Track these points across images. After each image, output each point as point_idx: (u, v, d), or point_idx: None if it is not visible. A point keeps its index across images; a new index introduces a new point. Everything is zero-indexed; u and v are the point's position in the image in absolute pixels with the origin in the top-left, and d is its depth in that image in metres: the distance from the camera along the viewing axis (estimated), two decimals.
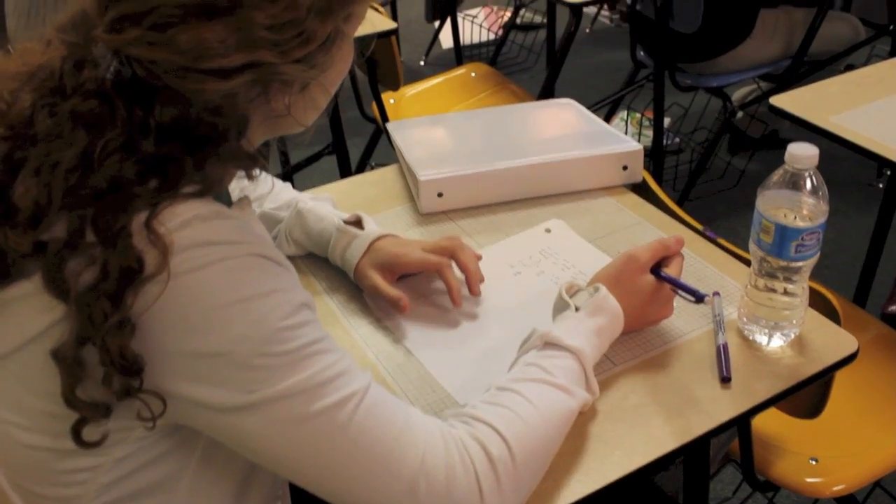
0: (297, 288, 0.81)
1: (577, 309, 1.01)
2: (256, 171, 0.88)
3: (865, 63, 3.42)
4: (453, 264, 1.18)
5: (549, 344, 0.96)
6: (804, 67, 2.85)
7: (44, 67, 0.79)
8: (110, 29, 0.75)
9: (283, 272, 0.80)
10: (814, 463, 1.43)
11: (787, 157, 0.99)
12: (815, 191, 1.00)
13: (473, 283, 1.16)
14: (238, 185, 1.16)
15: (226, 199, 0.91)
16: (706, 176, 3.10)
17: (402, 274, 1.19)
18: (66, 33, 0.80)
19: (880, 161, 1.55)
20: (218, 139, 0.79)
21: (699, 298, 1.05)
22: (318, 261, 1.26)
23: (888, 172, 2.55)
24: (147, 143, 0.76)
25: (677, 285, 1.07)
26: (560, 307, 1.03)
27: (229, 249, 0.76)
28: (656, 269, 1.07)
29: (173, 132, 0.76)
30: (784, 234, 1.00)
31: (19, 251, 0.75)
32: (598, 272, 1.08)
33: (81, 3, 0.79)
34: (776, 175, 1.01)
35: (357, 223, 1.23)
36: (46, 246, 0.74)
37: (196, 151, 0.78)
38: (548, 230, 1.33)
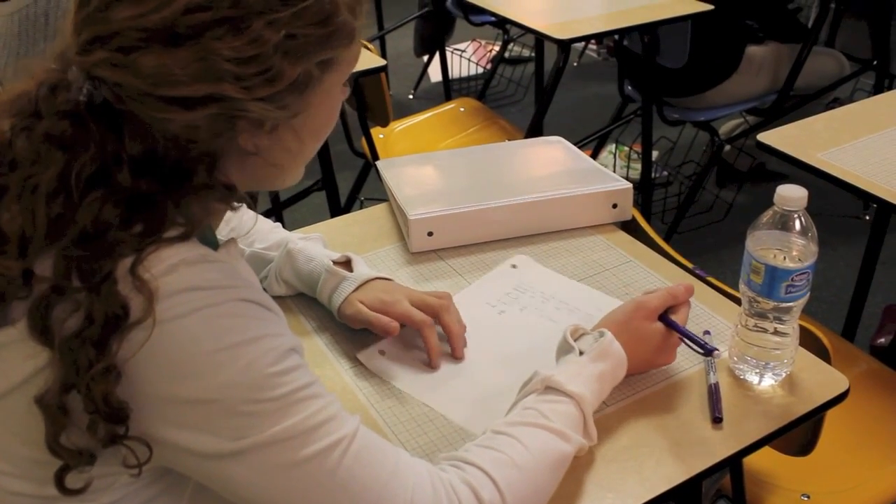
0: (285, 332, 0.81)
1: (580, 353, 1.00)
2: (236, 204, 0.87)
3: (850, 96, 3.47)
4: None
5: (550, 388, 0.95)
6: (790, 102, 2.88)
7: (24, 94, 0.80)
8: (81, 50, 0.76)
9: (271, 317, 0.80)
10: (806, 499, 1.42)
11: (776, 198, 1.00)
12: (804, 231, 1.01)
13: (456, 346, 1.14)
14: (226, 228, 1.17)
15: (213, 242, 0.91)
16: (694, 209, 3.12)
17: None
18: (48, 62, 0.80)
19: (867, 197, 1.56)
20: (189, 173, 0.79)
21: (708, 352, 1.05)
22: (308, 300, 1.25)
23: (874, 206, 2.57)
24: (122, 175, 0.75)
25: (688, 337, 1.07)
26: (564, 350, 1.03)
27: (216, 295, 0.76)
28: (665, 318, 1.07)
29: (145, 164, 0.76)
30: (774, 276, 1.00)
31: (8, 276, 0.74)
32: (605, 316, 1.08)
33: (65, 35, 0.79)
34: (766, 216, 1.02)
35: (347, 263, 1.23)
36: (33, 276, 0.74)
37: (172, 188, 0.77)
38: (514, 266, 1.34)
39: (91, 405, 0.72)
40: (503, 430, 0.91)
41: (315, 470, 0.77)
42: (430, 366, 1.13)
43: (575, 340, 1.03)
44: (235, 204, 0.88)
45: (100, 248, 0.74)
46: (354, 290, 1.17)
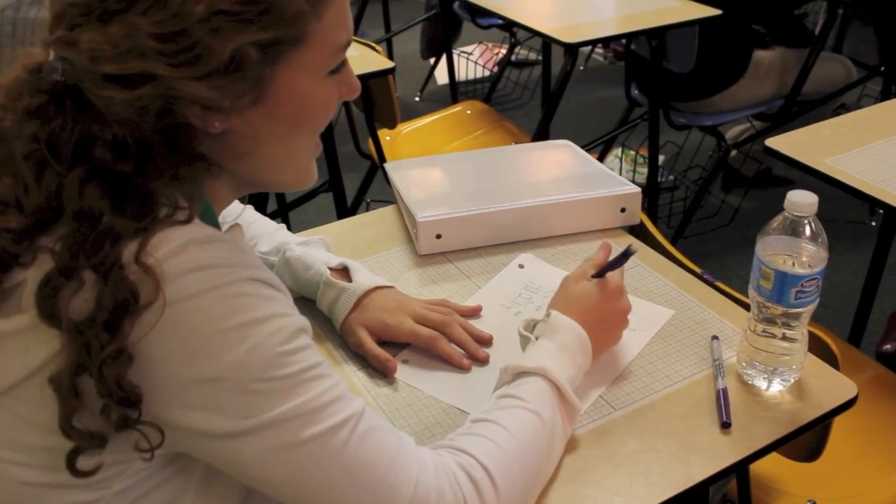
0: (293, 312, 0.81)
1: (537, 339, 1.03)
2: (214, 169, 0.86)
3: (857, 102, 3.46)
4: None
5: (517, 374, 0.98)
6: (797, 107, 2.88)
7: (14, 79, 0.81)
8: (49, 30, 0.77)
9: (279, 296, 0.81)
10: None
11: (786, 204, 1.00)
12: (814, 237, 1.01)
13: (474, 353, 1.15)
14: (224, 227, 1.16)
15: (217, 227, 0.91)
16: (700, 213, 3.12)
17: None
18: (37, 47, 0.82)
19: (875, 203, 1.56)
20: (153, 153, 0.78)
21: (626, 254, 1.09)
22: (314, 304, 1.24)
23: (881, 211, 2.57)
24: (99, 151, 0.76)
25: (611, 265, 1.11)
26: (524, 344, 1.06)
27: (226, 273, 0.76)
28: (593, 275, 1.11)
29: (117, 144, 0.76)
30: (784, 281, 1.00)
31: (12, 231, 0.76)
32: (549, 303, 1.11)
33: None
34: (776, 221, 1.02)
35: (345, 271, 1.22)
36: (35, 239, 0.75)
37: (146, 168, 0.77)
38: (521, 266, 1.35)
39: (104, 389, 0.73)
40: (481, 416, 0.93)
41: (322, 449, 0.78)
42: (460, 368, 1.13)
43: (530, 331, 1.06)
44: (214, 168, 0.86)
45: (99, 232, 0.74)
46: (354, 309, 1.17)
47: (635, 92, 3.06)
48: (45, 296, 0.74)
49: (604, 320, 1.08)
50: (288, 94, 0.83)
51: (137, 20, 0.73)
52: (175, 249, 0.75)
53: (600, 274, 1.10)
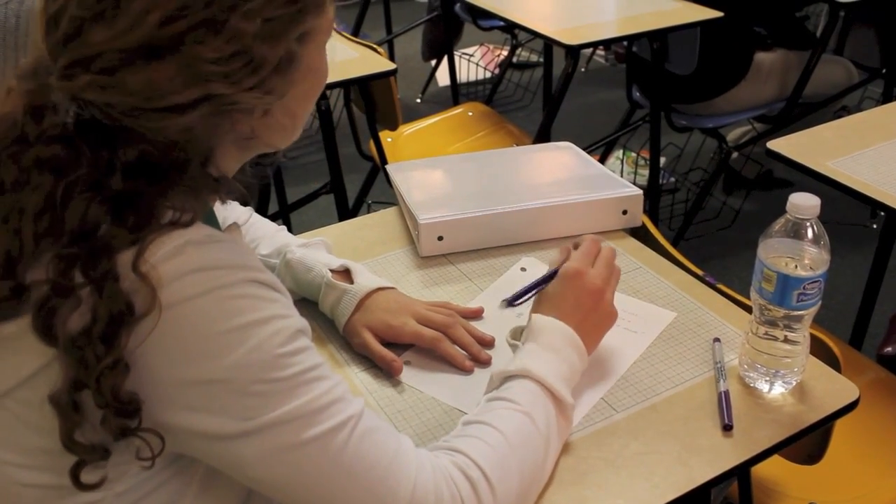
0: (293, 314, 0.82)
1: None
2: (226, 193, 0.88)
3: (858, 104, 3.46)
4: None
5: (503, 379, 0.99)
6: (798, 109, 2.88)
7: (5, 118, 0.79)
8: (62, 76, 0.75)
9: (279, 297, 0.81)
10: None
11: (788, 206, 1.00)
12: (816, 240, 1.01)
13: (476, 354, 1.14)
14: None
15: (216, 226, 0.92)
16: (701, 215, 3.12)
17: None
18: (26, 81, 0.79)
19: (877, 205, 1.56)
20: (181, 169, 0.79)
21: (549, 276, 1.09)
22: (316, 306, 1.24)
23: (882, 214, 2.57)
24: (115, 180, 0.75)
25: (526, 289, 1.14)
26: (514, 351, 1.06)
27: (225, 275, 0.76)
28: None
29: (139, 169, 0.76)
30: (786, 283, 1.00)
31: (4, 297, 0.75)
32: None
33: (39, 48, 0.78)
34: (778, 224, 1.02)
35: (347, 273, 1.22)
36: (26, 289, 0.74)
37: (161, 184, 0.77)
38: (523, 269, 1.35)
39: (101, 400, 0.73)
40: (472, 419, 0.94)
41: (322, 450, 0.79)
42: (463, 369, 1.13)
43: (518, 339, 1.06)
44: (225, 195, 0.88)
45: (94, 246, 0.74)
46: (357, 311, 1.16)
47: (637, 94, 3.06)
48: (41, 316, 0.73)
49: (579, 307, 1.05)
50: (309, 72, 0.85)
51: (195, 50, 0.73)
52: (172, 251, 0.75)
53: (514, 299, 1.15)
